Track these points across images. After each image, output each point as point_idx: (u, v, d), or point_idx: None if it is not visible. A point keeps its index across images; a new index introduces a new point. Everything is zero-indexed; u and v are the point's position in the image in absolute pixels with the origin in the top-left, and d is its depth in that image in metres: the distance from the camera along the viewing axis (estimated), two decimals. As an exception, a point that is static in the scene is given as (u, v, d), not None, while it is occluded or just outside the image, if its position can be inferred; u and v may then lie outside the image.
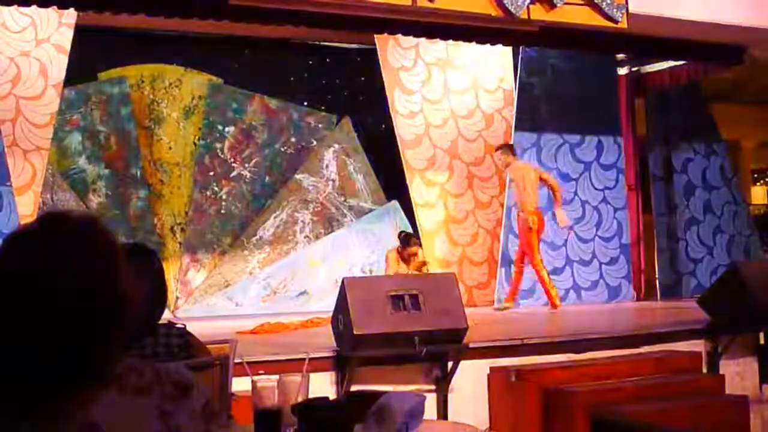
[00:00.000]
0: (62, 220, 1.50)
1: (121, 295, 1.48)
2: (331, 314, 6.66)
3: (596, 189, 11.87)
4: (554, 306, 10.27)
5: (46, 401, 1.38)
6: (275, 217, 11.71)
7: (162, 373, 1.55)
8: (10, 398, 1.38)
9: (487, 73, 12.02)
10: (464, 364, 6.69)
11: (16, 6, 8.23)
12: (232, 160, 11.58)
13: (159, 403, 1.49)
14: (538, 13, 8.78)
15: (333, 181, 12.07)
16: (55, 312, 1.39)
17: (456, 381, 6.69)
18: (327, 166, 12.09)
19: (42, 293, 1.39)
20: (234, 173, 11.58)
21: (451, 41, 10.30)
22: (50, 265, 1.42)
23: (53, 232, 1.47)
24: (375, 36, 11.06)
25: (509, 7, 8.53)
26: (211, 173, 11.46)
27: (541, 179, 10.49)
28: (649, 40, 10.05)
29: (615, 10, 8.95)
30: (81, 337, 1.40)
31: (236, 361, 3.82)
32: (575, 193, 11.71)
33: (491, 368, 6.91)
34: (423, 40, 10.70)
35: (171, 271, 10.88)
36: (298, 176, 11.90)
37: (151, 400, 1.48)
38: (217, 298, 11.28)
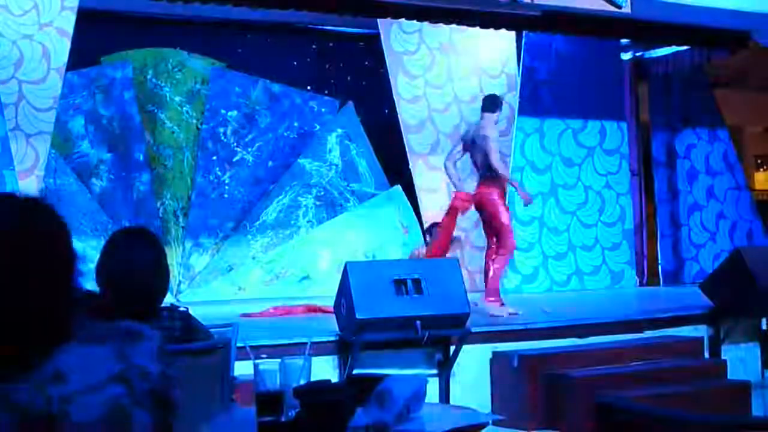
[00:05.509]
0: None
1: (68, 259, 1.60)
2: (333, 299, 6.68)
3: (599, 174, 11.86)
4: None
5: (10, 361, 1.51)
6: (278, 202, 11.70)
7: (112, 326, 1.67)
8: None
9: (491, 58, 11.99)
10: (467, 349, 6.71)
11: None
12: (235, 144, 11.56)
13: (115, 347, 1.60)
14: (542, -2, 8.77)
15: (336, 165, 12.06)
16: (5, 282, 1.52)
17: (458, 365, 6.71)
18: (330, 150, 12.07)
19: None
20: (237, 157, 11.57)
21: (454, 26, 10.27)
22: None
23: None
24: (378, 20, 11.03)
25: (513, -8, 8.52)
26: (214, 157, 11.45)
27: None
28: (653, 25, 10.03)
29: (619, -6, 8.94)
30: (33, 304, 1.54)
31: (239, 344, 3.83)
32: (578, 178, 11.70)
33: (494, 353, 6.93)
34: (426, 24, 10.67)
35: (174, 256, 10.89)
36: (301, 161, 11.88)
37: (108, 346, 1.59)
38: (219, 283, 11.28)
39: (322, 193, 11.94)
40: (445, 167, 8.97)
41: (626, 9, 9.01)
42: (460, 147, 8.92)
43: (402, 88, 11.49)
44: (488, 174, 8.51)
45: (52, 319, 1.57)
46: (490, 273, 8.74)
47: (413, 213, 11.65)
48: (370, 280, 6.40)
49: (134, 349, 1.61)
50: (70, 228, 1.62)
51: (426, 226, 10.46)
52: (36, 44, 9.54)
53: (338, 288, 6.54)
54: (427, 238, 9.70)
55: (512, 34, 11.59)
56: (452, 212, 9.02)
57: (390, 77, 11.44)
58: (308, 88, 12.08)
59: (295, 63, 12.04)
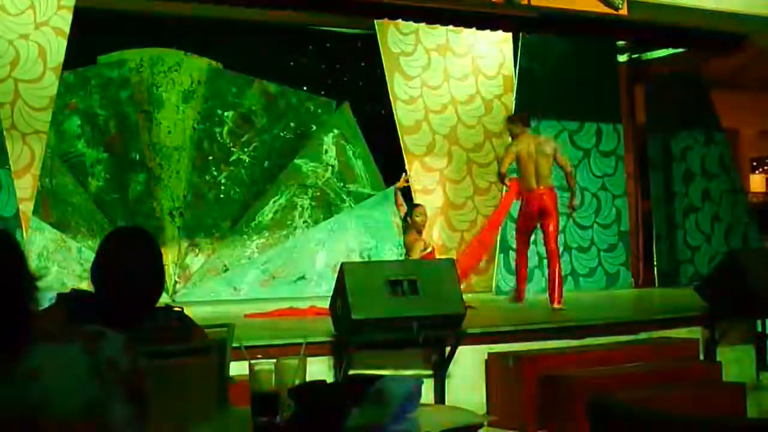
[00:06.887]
0: None
1: (29, 280, 1.71)
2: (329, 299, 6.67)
3: (595, 176, 11.86)
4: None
5: None
6: (274, 202, 11.71)
7: (75, 329, 1.79)
8: None
9: (487, 59, 11.99)
10: (462, 350, 6.70)
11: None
12: (232, 144, 11.56)
13: (82, 344, 1.70)
14: (539, -1, 8.79)
15: (332, 166, 12.06)
16: None
17: (454, 366, 6.70)
18: (326, 151, 12.07)
19: None
20: (233, 158, 11.57)
21: (451, 27, 10.27)
22: None
23: None
24: (375, 21, 11.04)
25: (510, -7, 8.53)
26: (210, 158, 11.45)
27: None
28: (650, 27, 10.04)
29: (615, -4, 8.96)
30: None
31: (234, 345, 3.83)
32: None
33: (489, 354, 6.92)
34: (423, 25, 10.68)
35: (169, 256, 10.88)
36: (297, 161, 11.88)
37: (77, 344, 1.70)
38: (215, 283, 11.27)
39: (318, 193, 11.94)
40: (503, 174, 9.28)
41: (623, 11, 9.01)
42: (513, 159, 9.32)
43: (398, 88, 11.49)
44: (550, 182, 9.22)
45: (16, 331, 1.65)
46: (557, 278, 8.98)
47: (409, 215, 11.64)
48: (366, 281, 6.39)
49: (102, 345, 1.71)
50: (22, 251, 1.73)
51: (404, 212, 10.02)
52: (32, 43, 9.52)
53: (334, 288, 6.53)
54: (409, 220, 9.69)
55: (509, 35, 11.60)
56: (508, 203, 9.86)
57: (387, 78, 11.44)
58: (304, 88, 12.09)
59: (291, 63, 12.05)
